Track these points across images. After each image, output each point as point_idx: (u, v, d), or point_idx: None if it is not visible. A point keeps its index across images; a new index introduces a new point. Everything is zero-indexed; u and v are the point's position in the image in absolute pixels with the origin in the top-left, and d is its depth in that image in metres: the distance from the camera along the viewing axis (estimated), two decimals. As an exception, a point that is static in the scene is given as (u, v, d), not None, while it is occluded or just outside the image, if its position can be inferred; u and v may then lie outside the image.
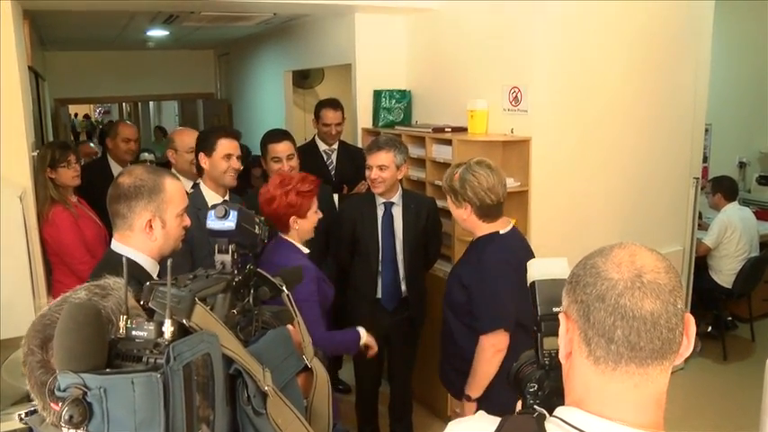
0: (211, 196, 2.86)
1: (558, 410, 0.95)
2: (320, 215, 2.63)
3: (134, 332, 0.87)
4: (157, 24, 5.75)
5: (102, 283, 1.07)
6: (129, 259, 1.77)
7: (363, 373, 3.44)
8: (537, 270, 1.17)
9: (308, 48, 5.47)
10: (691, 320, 0.92)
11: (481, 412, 1.07)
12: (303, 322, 1.20)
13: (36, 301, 3.02)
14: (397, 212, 3.20)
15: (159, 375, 0.79)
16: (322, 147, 4.10)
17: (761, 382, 2.43)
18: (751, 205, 5.46)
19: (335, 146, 4.11)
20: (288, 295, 1.19)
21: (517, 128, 3.55)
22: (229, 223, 1.15)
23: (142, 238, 1.82)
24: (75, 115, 19.34)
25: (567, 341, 0.95)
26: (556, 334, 1.09)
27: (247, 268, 1.15)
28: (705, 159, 5.45)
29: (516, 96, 3.53)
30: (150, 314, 0.92)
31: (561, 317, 0.96)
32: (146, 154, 5.79)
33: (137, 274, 1.79)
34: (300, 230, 2.56)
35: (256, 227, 1.24)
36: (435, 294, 3.55)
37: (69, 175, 3.30)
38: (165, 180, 1.84)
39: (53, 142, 4.15)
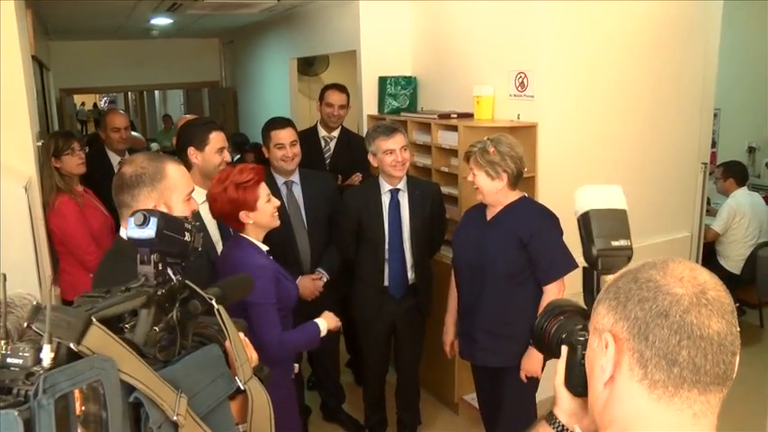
0: (198, 192, 2.75)
1: None
2: (276, 203, 2.46)
3: (9, 360, 0.75)
4: (161, 12, 5.72)
5: (7, 299, 1.00)
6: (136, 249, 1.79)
7: (370, 362, 3.43)
8: (590, 198, 1.03)
9: (312, 35, 5.43)
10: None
11: None
12: (239, 340, 1.11)
13: (42, 292, 3.02)
14: (404, 199, 3.17)
15: (17, 413, 0.68)
16: (322, 133, 4.04)
17: (770, 368, 2.42)
18: (760, 190, 5.41)
19: (336, 133, 4.04)
20: (218, 310, 1.07)
21: (523, 113, 3.52)
22: (149, 231, 1.03)
23: None
24: (83, 104, 19.36)
25: (614, 364, 0.84)
26: (617, 271, 0.99)
27: (175, 280, 1.04)
28: (714, 144, 5.40)
29: (522, 82, 3.50)
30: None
31: (606, 336, 0.84)
32: (154, 145, 5.78)
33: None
34: (258, 223, 2.40)
35: (186, 234, 1.11)
36: (443, 280, 3.55)
37: (74, 162, 3.31)
38: (166, 166, 1.83)
39: (56, 131, 4.15)
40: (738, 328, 0.82)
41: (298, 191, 3.32)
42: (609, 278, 0.90)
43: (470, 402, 3.74)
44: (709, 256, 4.75)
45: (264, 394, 1.13)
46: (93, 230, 3.26)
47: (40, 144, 3.32)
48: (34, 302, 0.81)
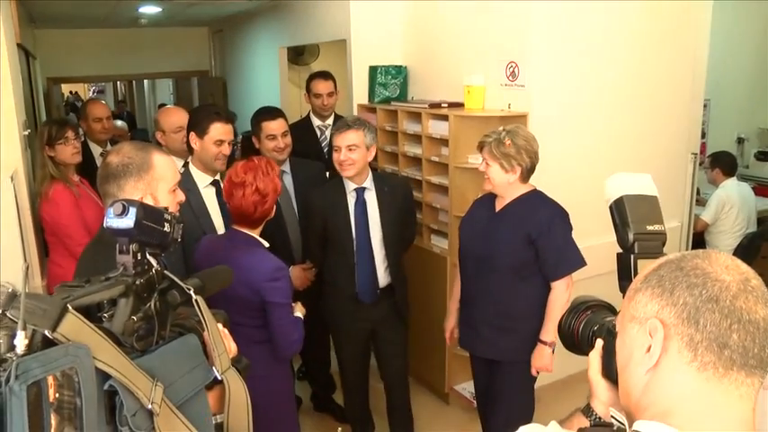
0: (201, 177, 2.80)
1: (640, 425, 0.87)
2: None
3: None
4: (149, 1, 5.66)
5: None
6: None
7: (349, 374, 3.20)
8: (623, 184, 1.06)
9: (302, 24, 5.39)
10: None
11: (554, 423, 1.03)
12: (217, 330, 1.12)
13: (30, 283, 2.99)
14: (371, 198, 2.97)
15: None
16: (316, 122, 4.00)
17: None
18: (749, 181, 5.44)
19: (330, 121, 4.00)
20: (196, 301, 1.08)
21: (514, 103, 3.51)
22: (127, 221, 1.04)
23: None
24: (71, 92, 19.16)
25: (662, 349, 0.85)
26: (652, 255, 1.03)
27: (154, 270, 1.05)
28: (703, 135, 5.41)
29: (513, 71, 3.49)
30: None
31: (654, 322, 0.85)
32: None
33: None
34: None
35: (166, 224, 1.12)
36: (435, 272, 3.55)
37: (68, 151, 3.22)
38: (153, 156, 1.80)
39: (50, 119, 4.05)
40: None
41: (288, 180, 3.30)
42: (645, 268, 0.92)
43: (461, 392, 3.75)
44: (698, 245, 4.77)
45: (242, 385, 1.14)
46: (86, 221, 3.16)
47: (26, 133, 3.26)
48: (10, 290, 0.82)
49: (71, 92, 18.71)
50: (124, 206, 1.04)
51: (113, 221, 1.05)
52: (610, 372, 1.03)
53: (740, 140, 6.20)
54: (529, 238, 2.60)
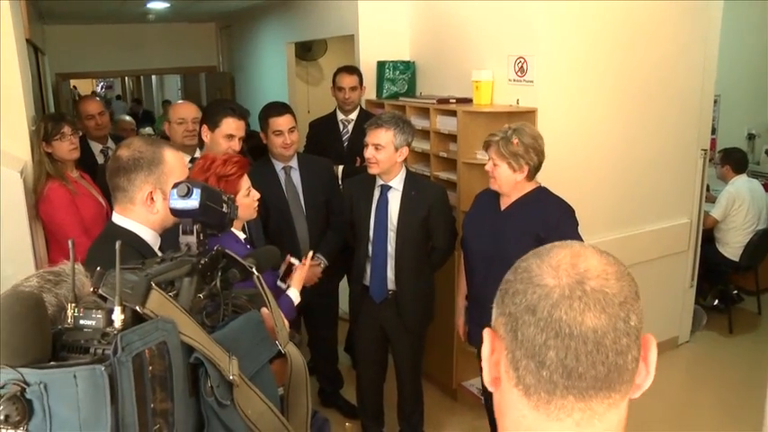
0: None
1: None
2: (256, 195, 2.37)
3: (82, 321, 0.80)
4: (157, -4, 5.67)
5: (56, 269, 1.02)
6: (129, 233, 1.78)
7: (362, 362, 3.25)
8: None
9: (310, 19, 5.39)
10: (651, 343, 0.73)
11: None
12: (276, 306, 1.14)
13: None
14: (394, 198, 2.93)
15: (104, 368, 0.73)
16: (340, 117, 4.03)
17: (766, 354, 2.42)
18: (760, 177, 5.39)
19: (354, 115, 4.01)
20: (258, 277, 1.12)
21: (523, 99, 3.49)
22: (192, 202, 1.07)
23: (143, 211, 1.80)
24: (73, 86, 19.23)
25: (493, 364, 0.75)
26: None
27: (215, 250, 1.08)
28: (713, 131, 5.38)
29: (522, 67, 3.47)
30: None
31: (486, 333, 0.77)
32: (148, 129, 5.70)
33: (138, 247, 1.78)
34: None
35: (224, 205, 1.16)
36: (442, 268, 3.53)
37: (65, 147, 3.11)
38: (164, 151, 1.81)
39: (47, 114, 3.92)
40: (635, 322, 0.71)
41: (296, 176, 3.30)
42: None
43: (469, 388, 3.75)
44: (708, 242, 4.75)
45: (301, 358, 1.17)
46: (84, 221, 3.05)
47: (35, 128, 3.27)
48: (83, 270, 0.86)
49: (73, 86, 18.80)
50: (188, 187, 1.08)
51: (178, 203, 1.08)
52: None
53: (751, 136, 6.16)
54: (538, 237, 2.57)
